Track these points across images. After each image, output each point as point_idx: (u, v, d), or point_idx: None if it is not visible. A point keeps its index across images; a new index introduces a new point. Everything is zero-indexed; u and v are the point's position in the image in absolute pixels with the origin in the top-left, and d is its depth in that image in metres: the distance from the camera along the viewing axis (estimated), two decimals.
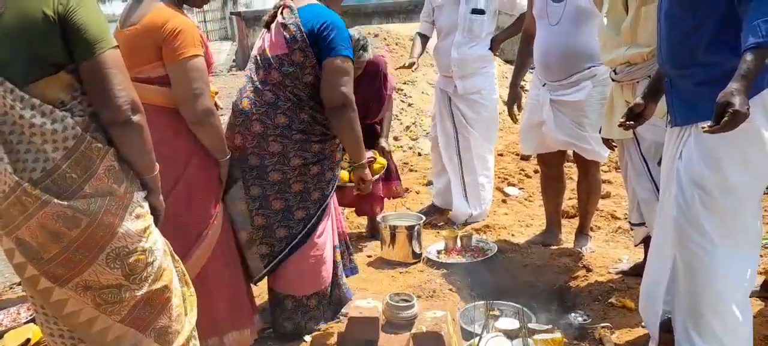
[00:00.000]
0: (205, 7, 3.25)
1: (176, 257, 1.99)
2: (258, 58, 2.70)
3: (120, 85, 1.68)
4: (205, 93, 2.35)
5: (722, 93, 1.80)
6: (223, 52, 15.16)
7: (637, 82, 2.63)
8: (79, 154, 1.65)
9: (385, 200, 4.06)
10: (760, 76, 1.92)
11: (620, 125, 2.38)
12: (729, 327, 2.11)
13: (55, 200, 1.62)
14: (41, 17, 1.61)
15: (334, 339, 2.43)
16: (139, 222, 1.76)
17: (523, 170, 5.52)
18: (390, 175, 4.00)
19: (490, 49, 4.13)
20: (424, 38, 4.32)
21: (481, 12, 4.02)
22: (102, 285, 1.73)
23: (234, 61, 14.85)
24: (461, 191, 4.23)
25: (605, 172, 5.12)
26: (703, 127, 1.84)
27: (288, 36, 2.59)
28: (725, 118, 1.78)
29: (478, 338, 2.32)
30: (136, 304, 1.78)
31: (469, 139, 4.17)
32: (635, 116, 2.36)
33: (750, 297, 2.84)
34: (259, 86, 2.64)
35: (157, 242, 1.84)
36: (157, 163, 1.86)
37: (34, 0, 1.62)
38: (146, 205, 1.83)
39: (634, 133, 2.64)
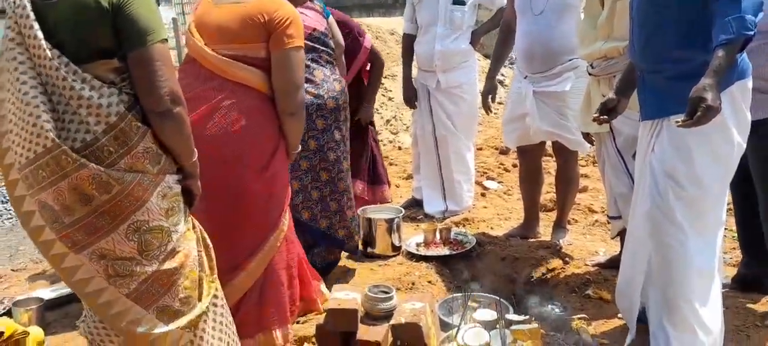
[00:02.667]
0: None
1: (207, 244, 2.05)
2: None
3: (163, 76, 1.77)
4: (303, 86, 2.45)
5: (695, 88, 1.84)
6: None
7: (614, 76, 2.66)
8: (118, 130, 1.75)
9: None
10: (729, 72, 1.96)
11: (594, 120, 2.41)
12: (702, 317, 2.15)
13: (92, 164, 1.72)
14: (95, 4, 1.72)
15: (312, 331, 2.43)
16: (164, 202, 1.85)
17: (502, 164, 5.56)
18: (378, 178, 3.98)
19: (471, 43, 4.14)
20: (411, 38, 4.28)
21: (462, 3, 4.03)
22: (116, 256, 1.80)
23: None
24: (437, 188, 4.25)
25: (583, 166, 5.17)
26: (676, 122, 1.88)
27: None
28: (698, 113, 1.82)
29: (456, 328, 2.34)
30: (144, 280, 1.84)
31: (447, 136, 4.18)
32: (609, 111, 2.39)
33: (722, 289, 2.92)
34: None
35: (178, 225, 1.90)
36: (195, 150, 1.95)
37: None
38: (177, 187, 1.91)
39: (610, 127, 2.67)
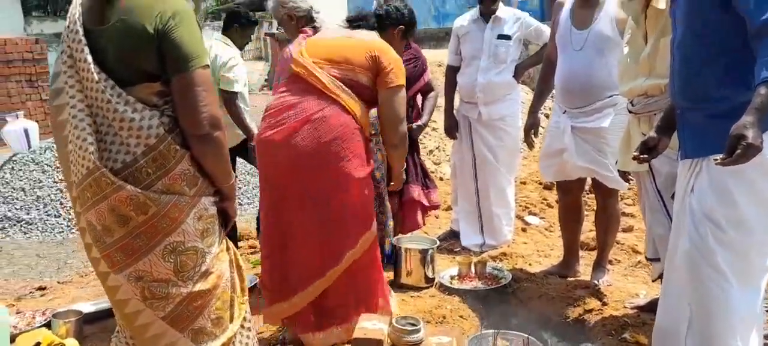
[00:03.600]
0: None
1: (239, 265, 2.12)
2: None
3: (204, 101, 1.82)
4: (405, 121, 2.79)
5: (735, 126, 1.78)
6: (256, 71, 15.51)
7: (654, 114, 2.59)
8: (157, 152, 1.81)
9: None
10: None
11: (634, 158, 2.35)
12: None
13: (130, 186, 1.78)
14: (141, 30, 1.78)
15: None
16: (200, 223, 1.90)
17: (545, 199, 5.46)
18: (431, 182, 3.92)
19: (514, 76, 4.12)
20: (455, 70, 4.28)
21: (507, 37, 4.04)
22: (153, 277, 1.85)
23: (266, 80, 15.12)
24: (475, 221, 4.21)
25: (628, 205, 5.03)
26: (715, 160, 1.81)
27: None
28: (738, 151, 1.76)
29: None
30: (180, 302, 1.89)
31: (487, 169, 4.15)
32: (649, 150, 2.33)
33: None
34: None
35: (212, 246, 1.94)
36: (232, 173, 2.02)
37: (138, 14, 1.79)
38: (213, 209, 1.95)
39: (649, 166, 2.60)
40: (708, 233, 2.03)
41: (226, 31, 3.96)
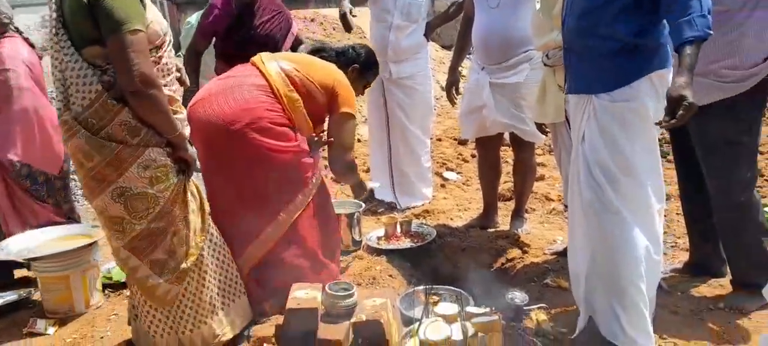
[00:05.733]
0: None
1: (203, 209, 2.40)
2: None
3: (134, 62, 2.04)
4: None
5: (673, 88, 1.89)
6: None
7: None
8: (98, 105, 2.11)
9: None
10: (647, 60, 2.03)
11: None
12: (646, 295, 2.23)
13: (78, 135, 2.12)
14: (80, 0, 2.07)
15: (272, 332, 2.38)
16: (147, 172, 2.18)
17: (460, 155, 5.58)
18: None
19: (425, 34, 4.13)
20: None
21: None
22: (109, 214, 2.21)
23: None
24: (386, 179, 4.25)
25: (539, 155, 5.23)
26: (657, 123, 1.93)
27: None
28: (681, 112, 1.86)
29: (417, 323, 2.33)
30: (135, 236, 2.22)
31: (399, 128, 4.17)
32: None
33: (673, 273, 2.99)
34: None
35: (166, 192, 2.22)
36: (178, 124, 2.23)
37: None
38: (163, 159, 2.22)
39: (565, 116, 2.70)
40: (604, 181, 2.17)
41: None
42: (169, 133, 2.22)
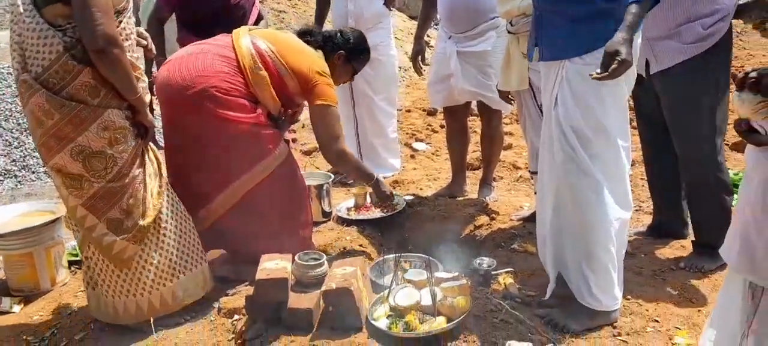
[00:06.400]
0: None
1: (160, 172, 2.44)
2: None
3: (98, 20, 2.06)
4: None
5: (610, 43, 1.91)
6: None
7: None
8: (58, 66, 2.11)
9: None
10: (618, 23, 2.05)
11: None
12: (615, 258, 2.28)
13: (39, 93, 2.13)
14: None
15: (242, 302, 2.39)
16: (106, 133, 2.21)
17: (429, 125, 5.60)
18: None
19: (385, 4, 4.09)
20: None
21: None
22: (68, 171, 2.22)
23: None
24: (354, 151, 4.24)
25: (507, 124, 5.29)
26: (591, 74, 1.94)
27: None
28: (613, 66, 1.88)
29: (387, 290, 2.36)
30: (93, 194, 2.25)
31: (365, 100, 4.16)
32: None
33: (637, 235, 3.06)
34: None
35: (124, 153, 2.25)
36: (138, 88, 2.25)
37: None
38: (122, 121, 2.24)
39: (529, 84, 2.72)
40: (577, 144, 2.19)
41: None
42: (130, 94, 2.24)
